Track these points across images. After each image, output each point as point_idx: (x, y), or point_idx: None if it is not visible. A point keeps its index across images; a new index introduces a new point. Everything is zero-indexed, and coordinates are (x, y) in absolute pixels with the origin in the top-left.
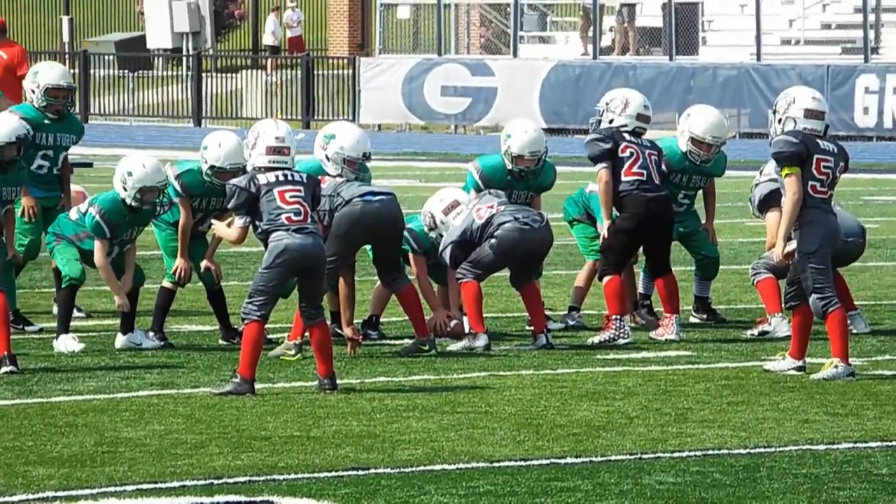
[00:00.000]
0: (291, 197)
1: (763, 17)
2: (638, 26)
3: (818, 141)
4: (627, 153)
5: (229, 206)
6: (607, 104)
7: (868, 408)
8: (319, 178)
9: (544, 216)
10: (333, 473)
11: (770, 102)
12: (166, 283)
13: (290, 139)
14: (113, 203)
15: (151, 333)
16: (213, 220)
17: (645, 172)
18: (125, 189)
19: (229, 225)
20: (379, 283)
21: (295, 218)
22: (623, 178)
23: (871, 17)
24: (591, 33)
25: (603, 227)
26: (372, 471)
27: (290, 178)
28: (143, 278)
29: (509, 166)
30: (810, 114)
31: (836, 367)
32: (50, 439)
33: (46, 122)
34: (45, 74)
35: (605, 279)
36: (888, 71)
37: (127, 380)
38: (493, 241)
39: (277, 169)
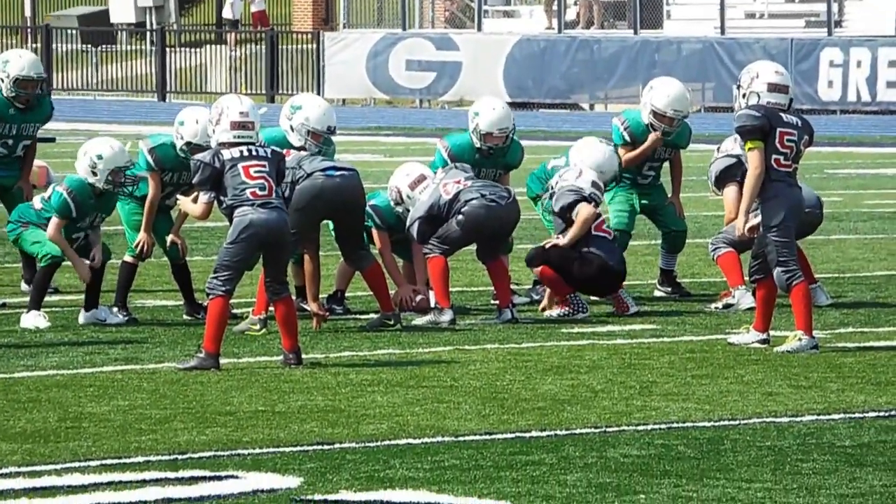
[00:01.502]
0: (256, 172)
1: None
2: (602, 0)
3: (781, 114)
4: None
5: (194, 181)
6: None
7: (831, 380)
8: (284, 152)
9: (511, 192)
10: (298, 448)
11: (734, 76)
12: (127, 258)
13: (255, 114)
14: (81, 184)
15: (115, 309)
16: (178, 196)
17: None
18: (95, 173)
19: (194, 200)
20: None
21: (260, 193)
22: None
23: None
24: (555, 7)
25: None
26: (337, 445)
27: (254, 153)
28: (110, 255)
29: (478, 144)
30: (774, 88)
31: (799, 339)
32: (13, 415)
33: (11, 111)
34: (14, 64)
35: (537, 269)
36: (852, 44)
37: (91, 355)
38: (460, 217)
39: (242, 144)
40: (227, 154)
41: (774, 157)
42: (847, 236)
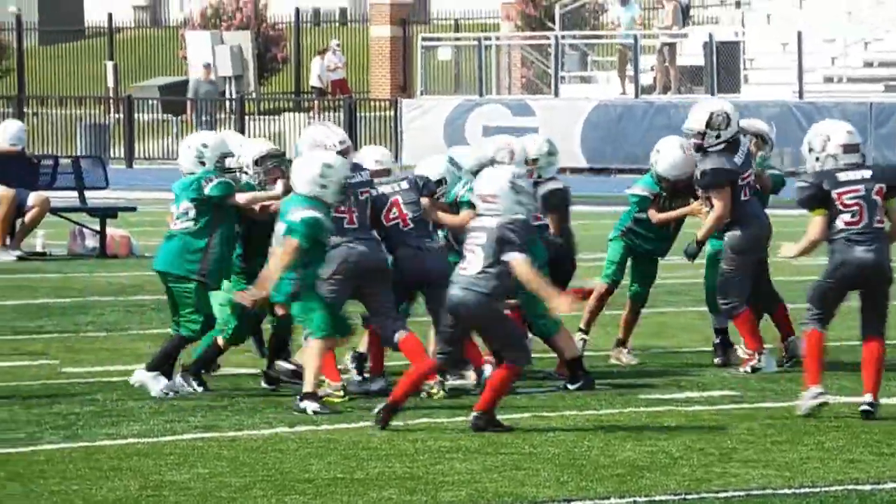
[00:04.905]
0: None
1: (805, 55)
2: (679, 65)
3: (837, 175)
4: None
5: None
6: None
7: None
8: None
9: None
10: None
11: None
12: (219, 340)
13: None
14: (223, 181)
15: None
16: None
17: None
18: (203, 162)
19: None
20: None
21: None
22: None
23: None
24: (629, 72)
25: None
26: None
27: None
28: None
29: None
30: (849, 148)
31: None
32: (95, 483)
33: None
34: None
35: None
36: None
37: (171, 423)
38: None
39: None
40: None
41: (840, 216)
42: None
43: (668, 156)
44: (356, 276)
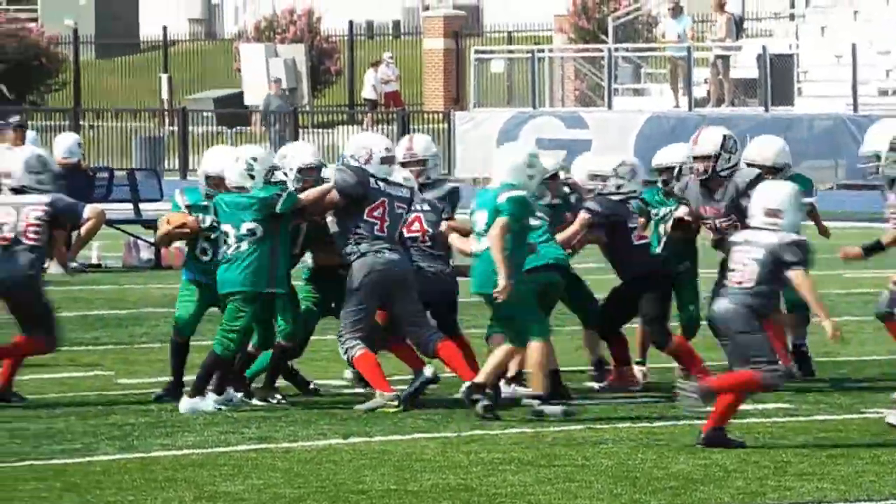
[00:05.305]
0: None
1: (859, 68)
2: (733, 78)
3: None
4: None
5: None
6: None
7: None
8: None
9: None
10: None
11: None
12: (281, 342)
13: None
14: (290, 193)
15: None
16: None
17: None
18: (252, 176)
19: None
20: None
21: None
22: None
23: None
24: (680, 84)
25: None
26: None
27: None
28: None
29: None
30: None
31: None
32: (150, 494)
33: None
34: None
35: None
36: None
37: (225, 434)
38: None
39: None
40: None
41: None
42: None
43: (665, 148)
44: (385, 285)
